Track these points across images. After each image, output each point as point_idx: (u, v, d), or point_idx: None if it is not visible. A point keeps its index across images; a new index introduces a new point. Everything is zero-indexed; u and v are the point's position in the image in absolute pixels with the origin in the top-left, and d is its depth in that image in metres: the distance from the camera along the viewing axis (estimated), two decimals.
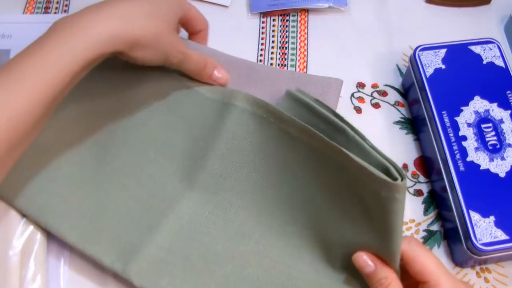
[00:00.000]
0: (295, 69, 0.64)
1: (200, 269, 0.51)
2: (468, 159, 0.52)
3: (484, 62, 0.57)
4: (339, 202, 0.49)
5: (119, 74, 0.59)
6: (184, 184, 0.54)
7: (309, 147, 0.50)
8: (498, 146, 0.53)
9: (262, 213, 0.53)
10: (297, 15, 0.68)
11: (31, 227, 0.53)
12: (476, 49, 0.58)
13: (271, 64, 0.65)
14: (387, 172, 0.44)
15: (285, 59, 0.65)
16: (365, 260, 0.45)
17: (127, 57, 0.49)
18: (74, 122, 0.58)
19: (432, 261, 0.43)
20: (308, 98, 0.53)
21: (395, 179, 0.42)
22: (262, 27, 0.67)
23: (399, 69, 0.64)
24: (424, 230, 0.55)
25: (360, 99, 0.62)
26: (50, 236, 0.54)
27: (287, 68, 0.64)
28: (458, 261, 0.53)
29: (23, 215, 0.54)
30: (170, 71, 0.57)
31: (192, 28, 0.60)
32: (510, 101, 0.55)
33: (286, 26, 0.67)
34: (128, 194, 0.54)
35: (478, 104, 0.55)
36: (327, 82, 0.58)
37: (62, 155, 0.56)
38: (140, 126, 0.58)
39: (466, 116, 0.54)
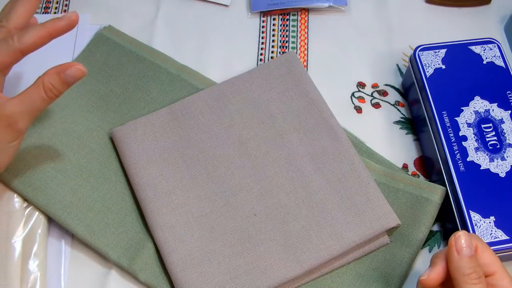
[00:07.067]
0: None
1: None
2: (468, 159, 0.52)
3: (484, 62, 0.57)
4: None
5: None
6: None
7: None
8: (498, 146, 0.53)
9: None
10: (297, 15, 0.68)
11: (30, 226, 0.53)
12: (476, 49, 0.58)
13: None
14: None
15: None
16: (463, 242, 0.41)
17: None
18: (83, 114, 0.58)
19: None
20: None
21: None
22: (263, 27, 0.67)
23: (399, 69, 0.64)
24: None
25: (361, 99, 0.62)
26: (50, 236, 0.54)
27: None
28: None
29: (28, 204, 0.54)
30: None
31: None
32: (510, 101, 0.55)
33: (286, 25, 0.67)
34: None
35: (478, 104, 0.55)
36: (285, 59, 0.60)
37: (71, 147, 0.56)
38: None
39: (466, 116, 0.54)
